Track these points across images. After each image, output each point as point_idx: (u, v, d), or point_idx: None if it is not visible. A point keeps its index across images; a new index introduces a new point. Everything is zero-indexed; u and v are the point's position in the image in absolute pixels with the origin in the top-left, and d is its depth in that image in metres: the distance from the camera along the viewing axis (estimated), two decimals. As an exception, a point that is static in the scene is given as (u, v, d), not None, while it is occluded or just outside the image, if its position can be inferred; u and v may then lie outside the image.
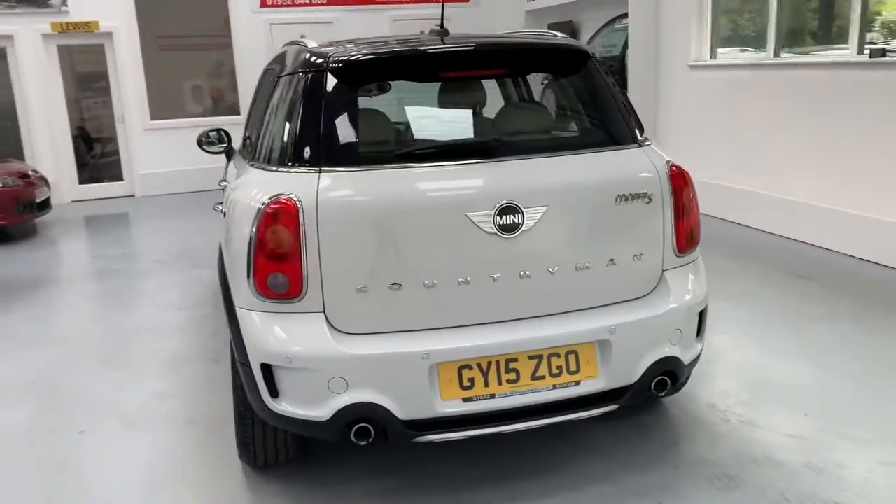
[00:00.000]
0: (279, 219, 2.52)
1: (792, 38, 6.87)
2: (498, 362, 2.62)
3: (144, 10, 10.28)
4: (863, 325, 4.46)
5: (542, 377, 2.66)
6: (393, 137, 3.03)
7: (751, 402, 3.57)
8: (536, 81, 3.88)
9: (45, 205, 8.39)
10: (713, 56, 7.64)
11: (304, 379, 2.55)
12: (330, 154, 2.63)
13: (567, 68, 3.13)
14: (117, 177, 10.75)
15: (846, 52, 6.03)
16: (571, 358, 2.69)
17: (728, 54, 7.59)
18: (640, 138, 2.94)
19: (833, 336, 4.32)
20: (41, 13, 9.86)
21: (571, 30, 10.23)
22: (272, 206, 2.53)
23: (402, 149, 2.83)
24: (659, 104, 8.33)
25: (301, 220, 2.51)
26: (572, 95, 3.22)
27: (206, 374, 4.11)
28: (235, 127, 5.00)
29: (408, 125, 3.10)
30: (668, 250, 2.87)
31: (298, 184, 2.57)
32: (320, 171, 2.59)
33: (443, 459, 3.10)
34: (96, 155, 10.91)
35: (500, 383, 2.62)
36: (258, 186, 2.71)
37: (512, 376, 2.64)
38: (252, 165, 3.05)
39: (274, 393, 2.60)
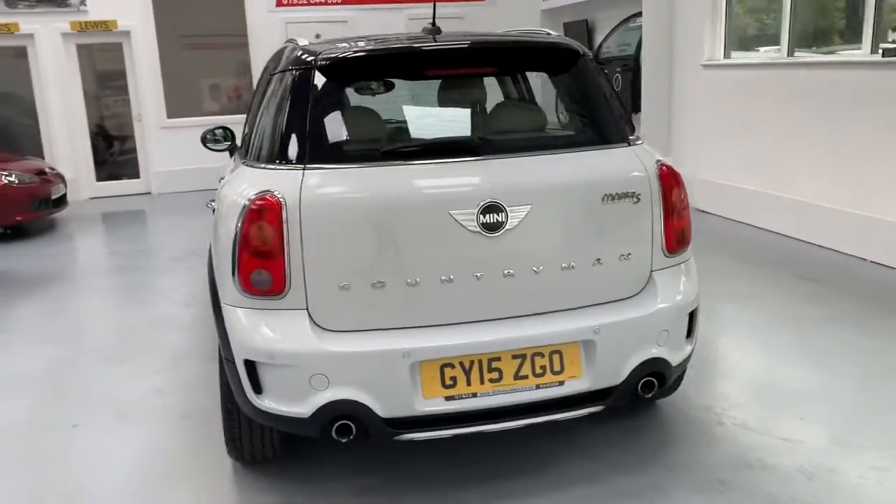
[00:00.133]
0: (263, 216, 2.53)
1: (807, 37, 6.77)
2: (480, 361, 2.61)
3: (162, 9, 10.38)
4: (867, 328, 4.38)
5: (526, 377, 2.65)
6: (379, 135, 3.03)
7: (747, 405, 3.53)
8: (538, 80, 3.87)
9: (61, 201, 8.50)
10: (727, 55, 7.56)
11: (286, 375, 2.56)
12: (315, 151, 2.64)
13: (558, 67, 3.11)
14: (134, 174, 10.88)
15: (859, 51, 5.93)
16: (555, 358, 2.67)
17: (742, 55, 7.50)
18: (629, 137, 2.91)
19: (836, 339, 4.26)
20: (61, 12, 10.01)
21: (586, 28, 10.18)
22: (257, 202, 2.54)
23: (387, 147, 2.82)
24: (672, 103, 8.26)
25: (284, 217, 2.51)
26: (563, 94, 3.20)
27: (206, 370, 4.14)
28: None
29: (395, 123, 3.10)
30: (657, 250, 2.84)
31: (283, 181, 2.58)
32: (305, 169, 2.59)
33: (428, 458, 3.09)
34: (115, 152, 11.04)
35: (482, 382, 2.61)
36: (245, 183, 2.72)
37: (495, 375, 2.62)
38: (243, 162, 3.06)
39: (257, 389, 2.61)
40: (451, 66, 3.02)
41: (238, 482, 3.04)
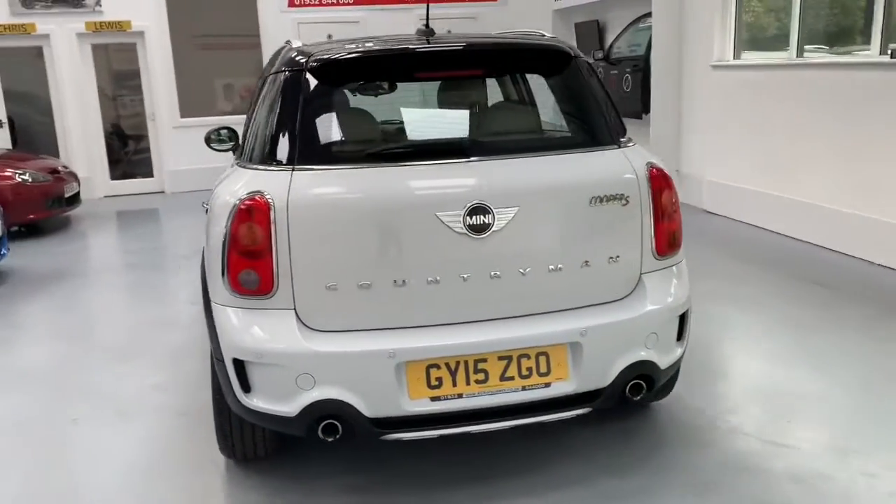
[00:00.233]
0: (252, 216, 2.55)
1: (816, 38, 6.71)
2: (466, 362, 2.63)
3: (176, 9, 10.48)
4: (870, 332, 4.34)
5: (512, 378, 2.65)
6: (368, 137, 3.05)
7: (742, 409, 3.51)
8: (534, 82, 3.87)
9: (74, 200, 8.61)
10: (736, 56, 7.51)
11: (273, 374, 2.58)
12: (304, 153, 2.66)
13: (549, 69, 3.12)
14: (148, 173, 10.99)
15: (868, 52, 5.88)
16: (542, 359, 2.67)
17: (751, 55, 7.45)
18: (620, 139, 2.91)
19: (837, 343, 4.22)
20: (76, 13, 10.14)
21: (598, 29, 10.15)
22: (246, 202, 2.57)
23: (375, 148, 2.84)
24: (682, 104, 8.22)
25: (272, 217, 2.54)
26: (553, 96, 3.20)
27: (205, 368, 4.11)
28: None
29: (385, 125, 3.12)
30: (647, 253, 2.84)
31: (272, 182, 2.61)
32: (293, 170, 2.62)
33: (418, 458, 3.11)
34: (129, 151, 11.17)
35: (468, 383, 2.63)
36: (236, 184, 2.75)
37: (480, 377, 2.64)
38: (237, 163, 3.10)
39: (246, 388, 2.64)
40: (442, 69, 3.03)
41: (230, 479, 3.08)
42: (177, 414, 3.66)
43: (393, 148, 2.83)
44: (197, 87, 10.80)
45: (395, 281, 2.59)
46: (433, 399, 2.61)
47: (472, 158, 2.70)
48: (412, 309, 2.63)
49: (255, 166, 2.78)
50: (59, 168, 8.68)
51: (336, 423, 2.57)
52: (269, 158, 2.71)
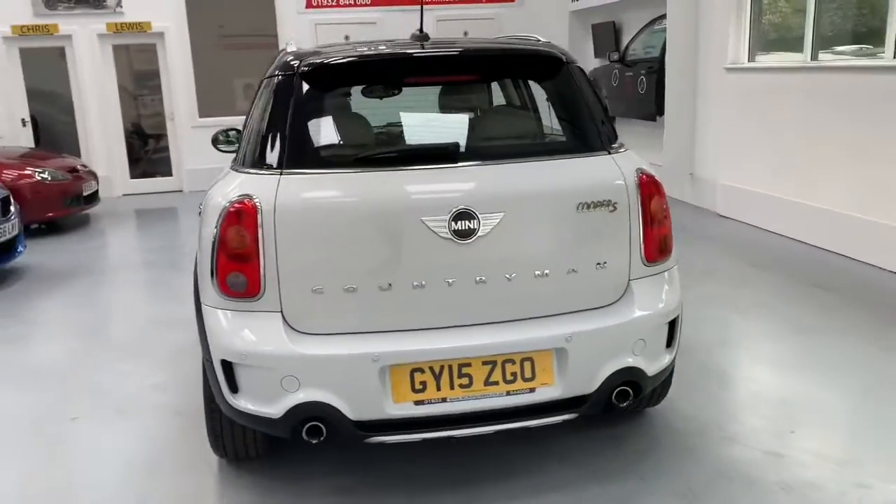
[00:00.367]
0: (240, 219, 2.59)
1: (830, 41, 6.62)
2: (451, 367, 2.64)
3: (195, 11, 10.60)
4: (875, 339, 4.28)
5: (496, 383, 2.66)
6: (357, 142, 3.06)
7: (736, 417, 3.49)
8: (535, 87, 3.87)
9: (93, 198, 8.75)
10: (751, 59, 7.43)
11: (259, 376, 2.61)
12: (293, 157, 2.69)
13: (541, 74, 3.11)
14: (167, 172, 11.13)
15: (883, 55, 5.79)
16: (527, 365, 2.68)
17: (766, 58, 7.37)
18: (611, 145, 2.90)
19: (841, 350, 4.17)
20: (97, 14, 10.30)
21: (614, 30, 10.10)
22: (234, 205, 2.60)
23: (363, 153, 2.86)
24: (696, 106, 8.15)
25: (260, 221, 2.57)
26: (546, 101, 3.20)
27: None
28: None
29: (374, 130, 3.13)
30: (636, 259, 2.83)
31: (261, 185, 2.64)
32: (281, 174, 2.65)
33: (407, 460, 3.13)
34: (149, 150, 11.32)
35: (452, 387, 2.64)
36: (227, 187, 2.78)
37: (465, 381, 2.65)
38: (231, 166, 3.13)
39: (234, 389, 2.68)
40: (433, 74, 3.05)
41: (221, 479, 3.12)
42: (174, 413, 3.71)
43: (381, 153, 2.86)
44: (215, 87, 10.92)
45: (380, 285, 2.61)
46: (417, 403, 2.62)
47: (459, 164, 2.72)
48: (397, 313, 2.65)
49: (246, 170, 2.81)
50: (78, 167, 8.82)
51: (320, 425, 2.59)
52: (259, 162, 2.75)
